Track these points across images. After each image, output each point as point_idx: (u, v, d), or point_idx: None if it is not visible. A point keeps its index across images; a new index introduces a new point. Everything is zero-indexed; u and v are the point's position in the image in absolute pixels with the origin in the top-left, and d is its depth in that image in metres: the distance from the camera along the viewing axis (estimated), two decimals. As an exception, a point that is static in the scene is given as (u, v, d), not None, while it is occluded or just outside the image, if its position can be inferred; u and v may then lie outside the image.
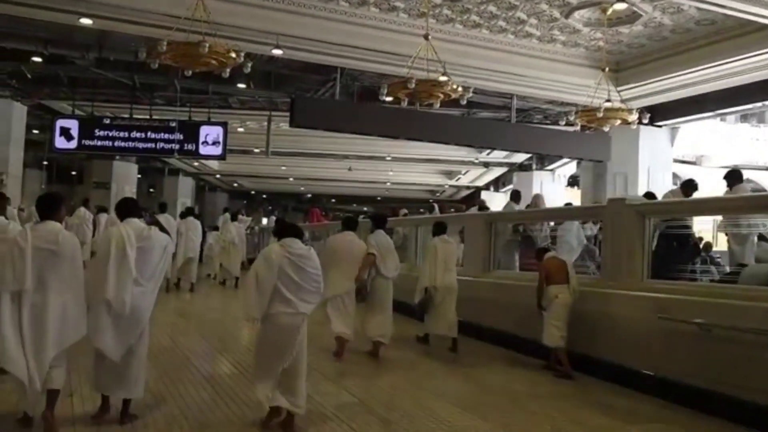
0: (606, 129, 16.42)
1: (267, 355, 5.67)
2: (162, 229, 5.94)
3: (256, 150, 26.35)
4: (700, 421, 6.27)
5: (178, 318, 11.25)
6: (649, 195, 8.49)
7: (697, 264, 7.94)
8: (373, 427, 5.70)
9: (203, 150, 20.03)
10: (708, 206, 7.57)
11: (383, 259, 8.95)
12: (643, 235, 7.72)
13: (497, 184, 32.66)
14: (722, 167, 21.61)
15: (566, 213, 10.26)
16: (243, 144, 25.19)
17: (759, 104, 18.00)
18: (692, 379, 6.71)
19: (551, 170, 27.80)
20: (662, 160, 20.42)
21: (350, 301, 8.68)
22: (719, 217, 8.07)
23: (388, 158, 27.52)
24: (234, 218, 18.68)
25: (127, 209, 5.88)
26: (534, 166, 27.76)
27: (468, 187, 34.87)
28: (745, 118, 24.93)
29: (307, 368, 7.63)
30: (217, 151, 20.04)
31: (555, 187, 27.31)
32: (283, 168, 31.68)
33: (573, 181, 26.26)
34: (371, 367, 8.11)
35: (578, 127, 17.54)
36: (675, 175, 20.99)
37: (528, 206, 11.55)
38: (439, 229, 9.77)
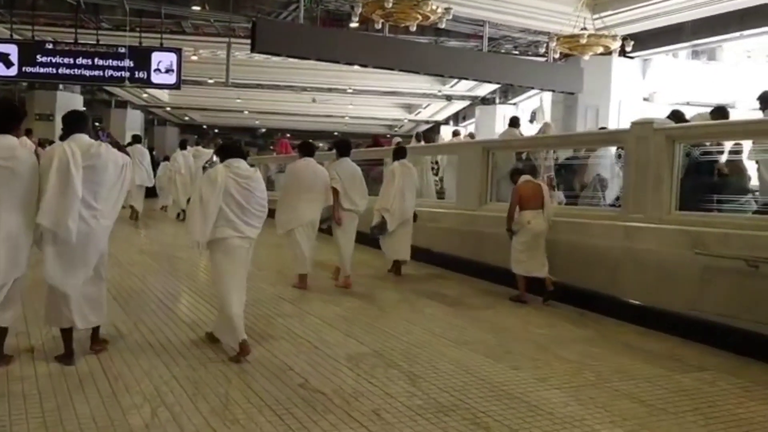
0: (586, 57, 15.59)
1: (228, 282, 5.33)
2: (121, 150, 5.06)
3: (210, 81, 24.75)
4: (752, 367, 5.55)
5: (143, 256, 10.12)
6: (677, 115, 7.63)
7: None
8: (398, 382, 4.81)
9: (156, 78, 18.54)
10: (753, 129, 6.73)
11: (346, 190, 8.32)
12: (672, 162, 6.90)
13: (457, 118, 31.70)
14: (674, 104, 21.20)
15: (584, 139, 9.32)
16: (196, 74, 23.55)
17: (736, 34, 17.35)
18: (735, 321, 5.99)
19: (514, 104, 26.96)
20: (634, 94, 19.74)
21: (313, 232, 8.07)
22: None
23: (350, 90, 26.21)
24: (183, 147, 17.39)
25: (73, 123, 4.96)
26: (497, 100, 26.89)
27: (427, 122, 33.81)
28: (696, 54, 24.49)
29: (303, 313, 6.85)
30: (171, 79, 18.60)
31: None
32: (238, 100, 30.07)
33: (532, 118, 25.35)
34: (371, 310, 7.19)
35: (557, 55, 16.71)
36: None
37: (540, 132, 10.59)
38: (400, 154, 9.35)
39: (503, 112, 26.64)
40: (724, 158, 7.22)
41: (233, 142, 7.86)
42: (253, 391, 4.49)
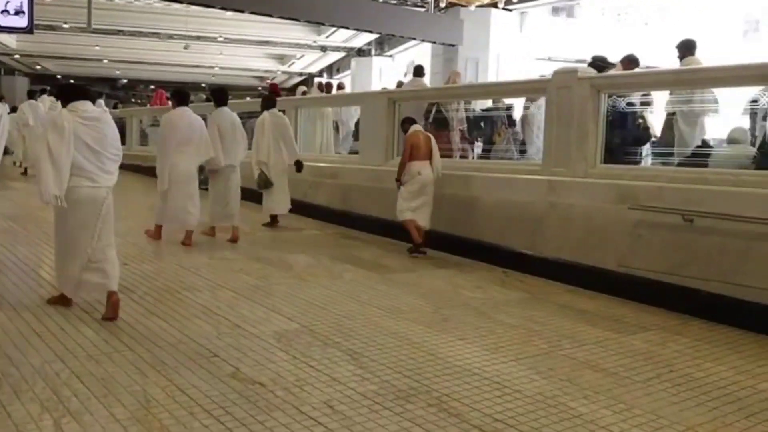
0: (472, 8, 15.24)
1: (71, 235, 4.94)
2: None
3: (66, 25, 22.45)
4: (691, 324, 5.35)
5: (8, 222, 8.78)
6: (600, 61, 7.23)
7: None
8: (342, 364, 4.17)
9: (4, 21, 16.36)
10: (685, 78, 6.45)
11: (226, 143, 7.92)
12: (597, 113, 6.58)
13: (331, 71, 30.84)
14: (538, 59, 21.75)
15: (503, 88, 8.80)
16: (48, 18, 21.21)
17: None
18: (669, 277, 5.78)
19: (391, 56, 26.42)
20: (512, 47, 19.69)
21: (193, 186, 7.66)
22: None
23: (220, 39, 24.65)
24: (31, 96, 15.72)
25: None
26: (373, 52, 26.25)
27: (300, 74, 32.69)
28: (556, 12, 25.07)
29: (212, 285, 6.02)
30: (22, 22, 16.48)
31: (395, 74, 26.01)
32: (97, 48, 27.61)
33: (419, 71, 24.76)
34: (286, 278, 6.43)
35: (443, 4, 16.26)
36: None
37: (446, 83, 9.93)
38: (269, 103, 8.96)
39: (380, 65, 26.11)
40: (651, 110, 6.99)
41: (73, 83, 7.46)
42: (177, 386, 3.70)
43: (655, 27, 23.61)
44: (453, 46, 18.81)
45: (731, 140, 6.29)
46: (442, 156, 7.88)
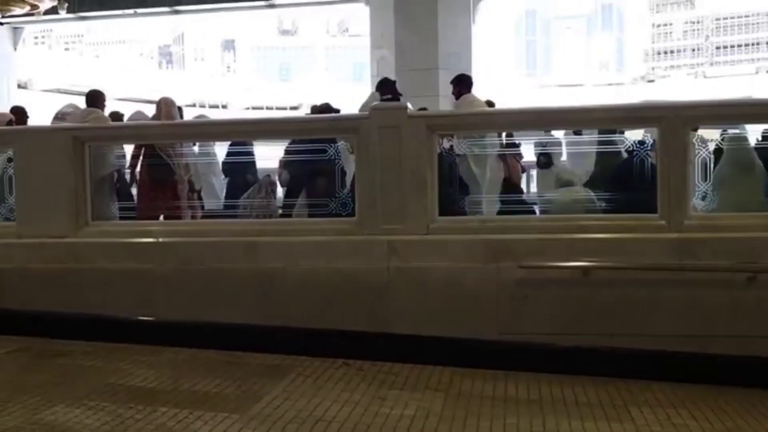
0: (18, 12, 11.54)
1: None
2: None
3: None
4: (646, 388, 4.64)
5: None
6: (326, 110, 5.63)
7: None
8: None
9: None
10: (560, 118, 5.55)
11: None
12: (432, 158, 5.33)
13: None
14: (47, 90, 19.90)
15: (294, 126, 5.93)
16: None
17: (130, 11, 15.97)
18: (568, 339, 5.01)
19: None
20: (4, 66, 16.09)
21: None
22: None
23: None
24: None
25: None
26: None
27: None
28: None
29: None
30: None
31: None
32: None
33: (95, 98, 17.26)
34: None
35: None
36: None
37: (156, 117, 6.53)
38: None
39: None
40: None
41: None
42: None
43: (105, 58, 22.89)
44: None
45: (565, 183, 5.84)
46: (167, 217, 5.45)
